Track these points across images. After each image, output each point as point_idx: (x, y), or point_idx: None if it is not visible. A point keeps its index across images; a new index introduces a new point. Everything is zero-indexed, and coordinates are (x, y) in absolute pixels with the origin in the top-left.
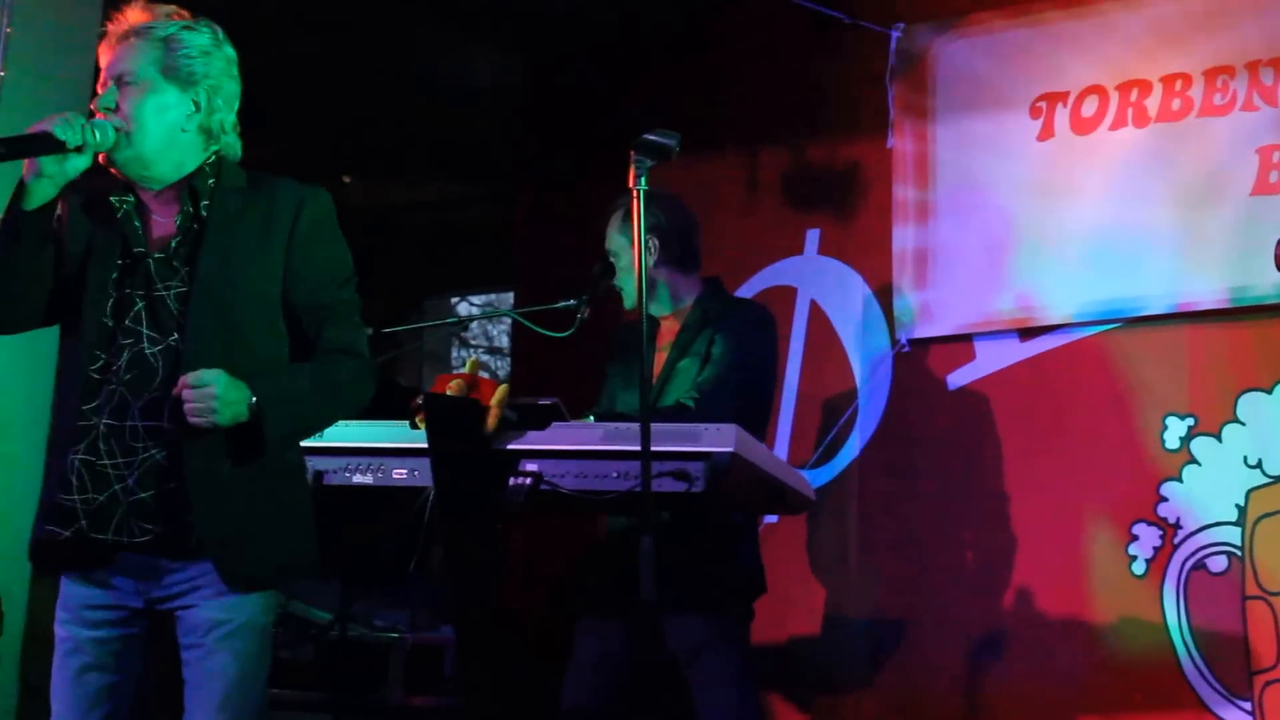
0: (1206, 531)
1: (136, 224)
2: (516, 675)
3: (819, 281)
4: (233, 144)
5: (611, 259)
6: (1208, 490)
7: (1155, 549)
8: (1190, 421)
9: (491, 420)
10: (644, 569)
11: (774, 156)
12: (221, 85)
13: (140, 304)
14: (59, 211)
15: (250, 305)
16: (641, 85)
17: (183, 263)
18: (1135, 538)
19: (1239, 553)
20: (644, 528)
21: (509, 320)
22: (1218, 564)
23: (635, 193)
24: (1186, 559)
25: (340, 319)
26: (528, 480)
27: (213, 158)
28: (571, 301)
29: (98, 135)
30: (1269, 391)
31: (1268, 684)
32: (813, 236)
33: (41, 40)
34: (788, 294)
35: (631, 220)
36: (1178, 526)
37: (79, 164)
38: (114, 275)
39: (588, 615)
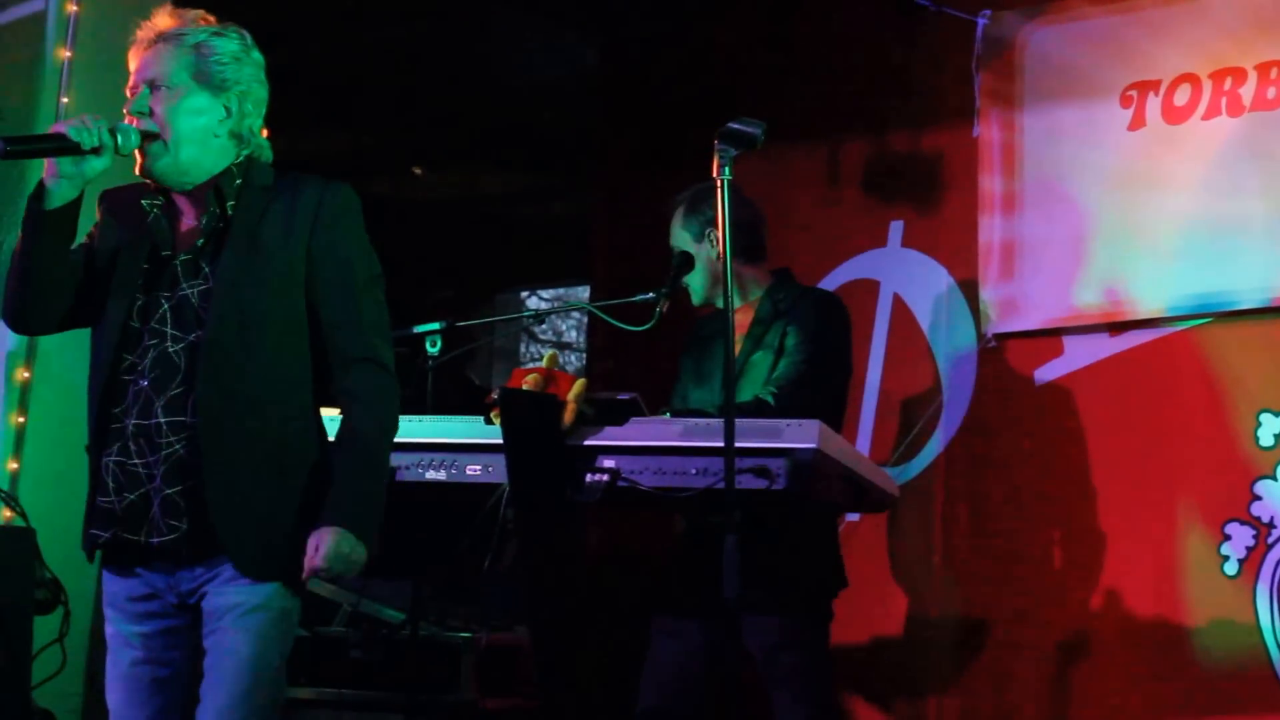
0: None
1: (165, 226)
2: (591, 676)
3: (902, 274)
4: (264, 146)
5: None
6: None
7: (1248, 549)
8: None
9: (568, 415)
10: (727, 567)
11: (857, 146)
12: (251, 90)
13: (165, 305)
14: (96, 217)
15: (272, 301)
16: (721, 74)
17: (207, 262)
18: (1228, 537)
19: None
20: (727, 525)
21: (578, 315)
22: None
23: (720, 182)
24: None
25: (360, 323)
26: (605, 477)
27: (242, 159)
28: (650, 295)
29: (119, 139)
30: None
31: None
32: (896, 228)
33: (109, 18)
34: (870, 287)
35: (693, 216)
36: (1272, 526)
37: (96, 165)
38: (140, 278)
39: (664, 615)
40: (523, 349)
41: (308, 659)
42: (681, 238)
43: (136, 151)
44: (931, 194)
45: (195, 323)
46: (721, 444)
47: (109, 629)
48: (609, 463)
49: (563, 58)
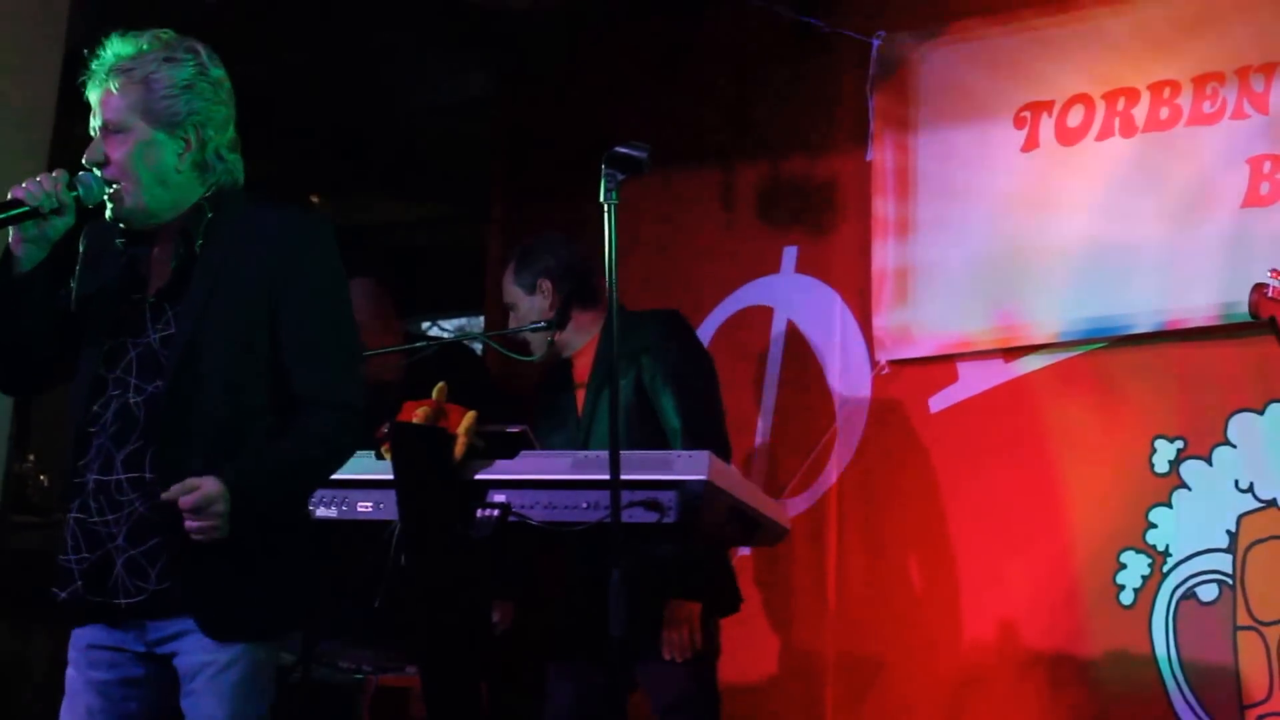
0: (1197, 559)
1: (137, 269)
2: (485, 717)
3: (796, 301)
4: (233, 166)
5: (510, 309)
6: (1198, 516)
7: (1144, 578)
8: (1180, 444)
9: (459, 448)
10: (613, 605)
11: (750, 171)
12: (210, 115)
13: (131, 352)
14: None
15: (233, 348)
16: (617, 100)
17: (171, 305)
18: (1123, 566)
19: (1230, 581)
20: (612, 561)
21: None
22: (1208, 593)
23: (606, 207)
24: (1176, 588)
25: (318, 360)
26: (495, 512)
27: (211, 191)
28: (542, 324)
29: (81, 191)
30: (1260, 412)
31: (1260, 718)
32: (790, 254)
33: None
34: (764, 314)
35: (524, 269)
36: (1167, 554)
37: (59, 225)
38: (109, 324)
39: (560, 657)
40: None
41: None
42: (513, 293)
43: (105, 198)
44: (825, 219)
45: (157, 372)
46: None
47: (69, 673)
48: (499, 497)
49: (459, 86)
